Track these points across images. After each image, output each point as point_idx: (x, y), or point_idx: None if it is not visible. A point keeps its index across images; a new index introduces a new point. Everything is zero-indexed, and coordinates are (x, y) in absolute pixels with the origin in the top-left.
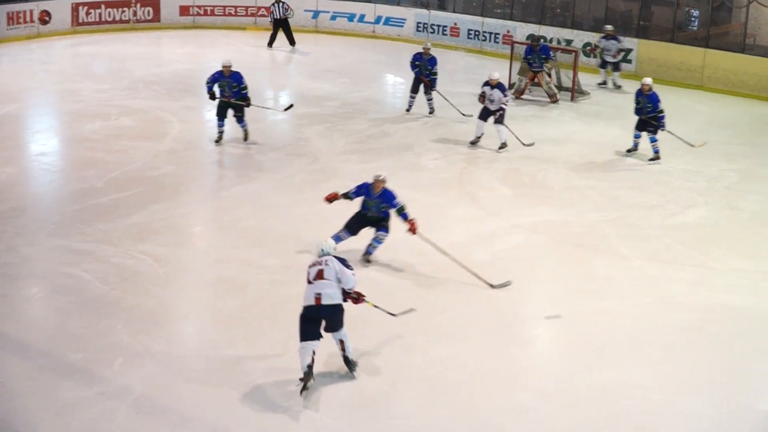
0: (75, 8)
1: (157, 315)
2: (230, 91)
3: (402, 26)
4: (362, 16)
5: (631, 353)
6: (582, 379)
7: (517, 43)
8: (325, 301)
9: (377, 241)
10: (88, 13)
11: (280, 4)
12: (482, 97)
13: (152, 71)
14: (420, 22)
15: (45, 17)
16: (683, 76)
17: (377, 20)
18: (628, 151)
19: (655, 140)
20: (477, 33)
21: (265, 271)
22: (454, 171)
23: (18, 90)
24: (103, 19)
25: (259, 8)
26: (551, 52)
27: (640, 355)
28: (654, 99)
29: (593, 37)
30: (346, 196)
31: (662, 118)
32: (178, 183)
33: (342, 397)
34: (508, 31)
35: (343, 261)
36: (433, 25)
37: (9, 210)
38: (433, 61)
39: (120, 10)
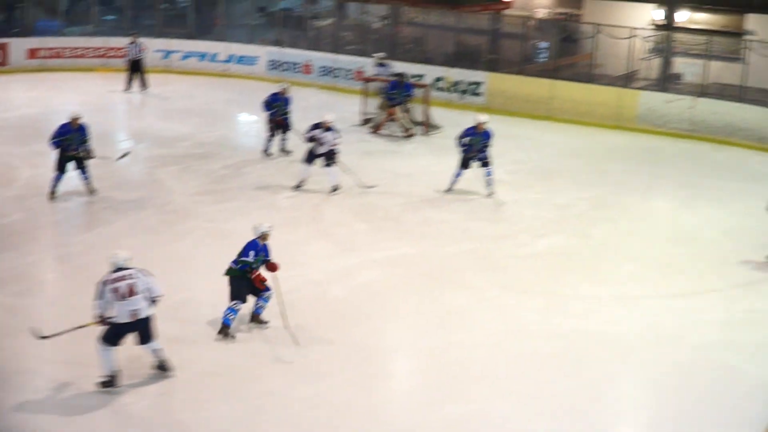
0: None
1: (9, 367)
2: (77, 144)
3: (254, 64)
4: (214, 55)
5: (488, 383)
6: (440, 411)
7: (370, 79)
8: (141, 316)
9: (265, 300)
10: None
11: (135, 45)
12: (312, 139)
13: (0, 116)
14: (272, 60)
15: None
16: (532, 108)
17: (229, 59)
18: (447, 190)
19: (491, 174)
20: (330, 70)
21: None
22: (309, 208)
23: None
24: None
25: (108, 49)
26: (413, 89)
27: (497, 384)
28: (487, 136)
29: (443, 71)
30: (251, 266)
31: (486, 152)
32: (27, 230)
33: None
34: (360, 68)
35: (143, 270)
36: (286, 62)
37: None
38: (288, 101)
39: None
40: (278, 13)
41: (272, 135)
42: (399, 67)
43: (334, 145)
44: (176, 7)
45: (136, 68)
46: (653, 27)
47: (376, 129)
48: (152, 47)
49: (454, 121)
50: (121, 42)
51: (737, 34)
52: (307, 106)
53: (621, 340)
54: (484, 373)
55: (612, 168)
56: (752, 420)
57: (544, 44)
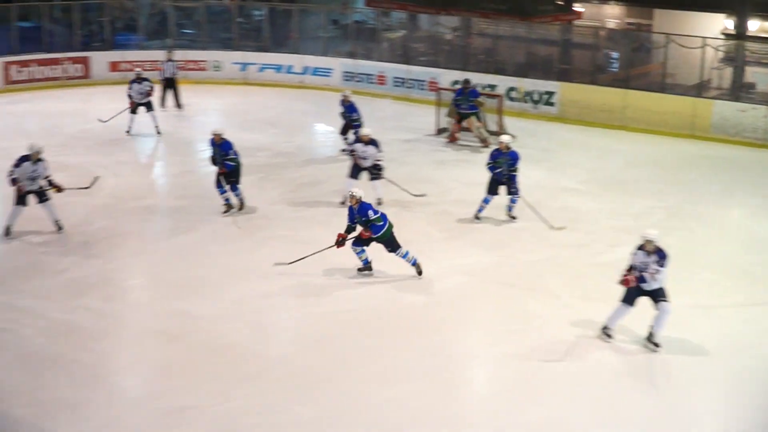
0: (6, 67)
1: (98, 368)
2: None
3: (329, 76)
4: (290, 67)
5: (565, 391)
6: (520, 417)
7: (443, 89)
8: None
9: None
10: (19, 71)
11: (171, 63)
12: (352, 153)
13: (84, 127)
14: (347, 71)
15: None
16: (605, 117)
17: (305, 71)
18: (476, 217)
19: (515, 201)
20: (403, 80)
21: (201, 321)
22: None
23: None
24: (34, 77)
25: (187, 62)
26: (478, 94)
27: (573, 393)
28: (515, 156)
29: (516, 82)
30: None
31: (515, 177)
32: (112, 237)
33: None
34: (433, 78)
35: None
36: (360, 73)
37: None
38: (351, 108)
39: (50, 67)
40: (351, 26)
41: (345, 137)
42: (472, 77)
43: (378, 159)
44: (252, 21)
45: (170, 85)
46: (724, 36)
47: (451, 139)
48: (229, 60)
49: (528, 131)
50: (199, 55)
51: None
52: (383, 117)
53: (698, 348)
54: (561, 381)
55: (686, 177)
56: None
57: (615, 54)
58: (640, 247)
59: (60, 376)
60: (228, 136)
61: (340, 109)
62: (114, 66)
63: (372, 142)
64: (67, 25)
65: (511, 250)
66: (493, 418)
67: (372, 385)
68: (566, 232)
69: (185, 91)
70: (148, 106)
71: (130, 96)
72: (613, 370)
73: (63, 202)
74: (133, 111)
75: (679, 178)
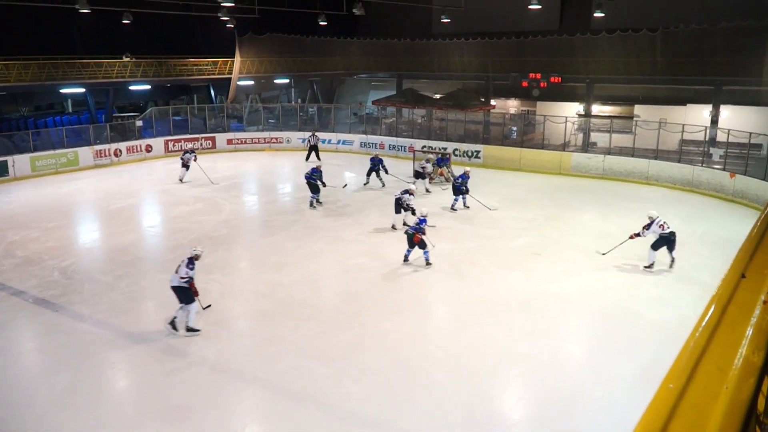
0: (166, 143)
1: (223, 312)
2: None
3: (352, 145)
4: (330, 140)
5: (490, 316)
6: (463, 334)
7: (417, 151)
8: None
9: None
10: (174, 145)
11: (313, 136)
12: (399, 201)
13: (214, 176)
14: (362, 142)
15: (149, 148)
16: (509, 164)
17: (338, 142)
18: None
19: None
20: (394, 146)
21: (281, 286)
22: (388, 225)
23: (134, 190)
24: (183, 148)
25: (271, 139)
26: (449, 159)
27: (495, 317)
28: (465, 177)
29: (458, 145)
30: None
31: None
32: (230, 239)
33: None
34: (411, 145)
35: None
36: (369, 143)
37: (132, 259)
38: (381, 161)
39: (192, 142)
40: (364, 116)
41: (368, 179)
42: (432, 144)
43: (409, 201)
44: (307, 114)
45: (313, 149)
46: (578, 116)
47: (431, 179)
48: (295, 136)
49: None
50: (278, 134)
51: (629, 117)
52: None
53: (566, 295)
54: (489, 313)
55: (557, 197)
56: (646, 341)
57: (514, 128)
58: None
59: (199, 318)
60: (296, 178)
61: (374, 161)
62: (229, 141)
63: (407, 191)
64: (202, 118)
65: (460, 241)
66: (448, 335)
67: (379, 317)
68: (488, 229)
69: (271, 155)
70: (188, 167)
71: (182, 158)
72: (517, 307)
73: (201, 219)
74: (186, 167)
75: (553, 197)
